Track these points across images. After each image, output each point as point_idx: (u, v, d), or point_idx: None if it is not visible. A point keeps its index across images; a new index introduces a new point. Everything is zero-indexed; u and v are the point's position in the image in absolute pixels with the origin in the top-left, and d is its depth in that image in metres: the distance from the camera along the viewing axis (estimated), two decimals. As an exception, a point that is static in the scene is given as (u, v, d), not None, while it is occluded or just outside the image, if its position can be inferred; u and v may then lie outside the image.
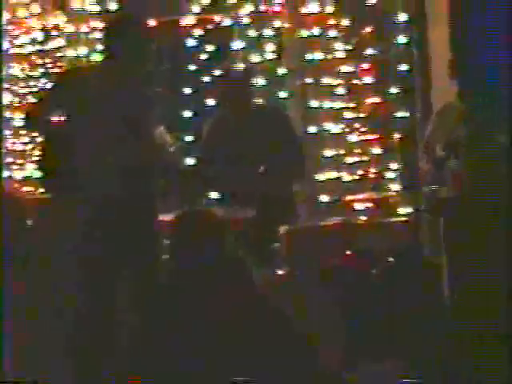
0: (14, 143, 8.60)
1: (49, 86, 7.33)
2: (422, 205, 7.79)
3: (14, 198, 6.92)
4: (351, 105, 8.37)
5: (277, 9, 8.23)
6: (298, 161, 7.33)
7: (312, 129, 8.20)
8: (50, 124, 6.16)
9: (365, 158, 8.36)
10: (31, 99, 8.38)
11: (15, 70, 8.47)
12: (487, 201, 6.43)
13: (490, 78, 7.12)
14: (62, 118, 6.13)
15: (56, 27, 8.44)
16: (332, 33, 8.30)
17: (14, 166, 8.51)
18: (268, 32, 8.21)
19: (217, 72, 8.22)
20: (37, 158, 7.06)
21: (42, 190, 8.07)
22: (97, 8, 8.35)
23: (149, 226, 6.09)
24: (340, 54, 8.33)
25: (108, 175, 5.91)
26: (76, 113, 6.06)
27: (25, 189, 8.22)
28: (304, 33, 8.25)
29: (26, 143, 8.51)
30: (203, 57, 8.46)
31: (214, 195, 6.97)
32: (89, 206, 5.97)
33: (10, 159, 8.49)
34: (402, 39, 8.33)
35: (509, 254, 6.31)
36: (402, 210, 8.18)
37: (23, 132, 8.49)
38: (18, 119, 8.44)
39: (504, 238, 6.34)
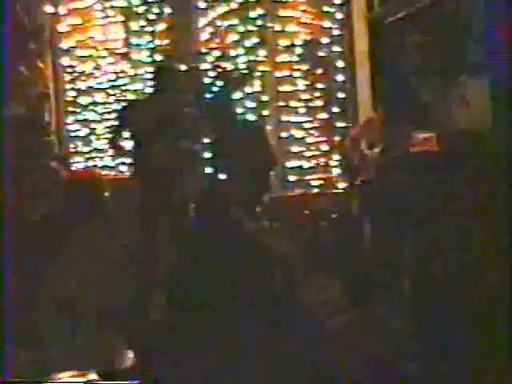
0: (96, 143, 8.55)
1: (119, 108, 7.45)
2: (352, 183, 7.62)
3: (96, 178, 7.22)
4: (309, 119, 8.33)
5: (262, 59, 8.14)
6: (272, 156, 7.28)
7: (284, 134, 8.16)
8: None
9: (317, 153, 8.34)
10: (108, 116, 8.40)
11: (97, 98, 8.48)
12: (394, 182, 6.31)
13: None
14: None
15: (123, 71, 8.45)
16: (296, 74, 8.28)
17: (97, 159, 8.49)
18: (256, 73, 8.13)
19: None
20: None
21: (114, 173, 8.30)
22: (149, 59, 8.32)
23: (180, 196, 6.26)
24: (301, 87, 8.30)
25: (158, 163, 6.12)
26: (138, 124, 6.27)
27: (103, 172, 8.14)
28: (279, 74, 8.19)
29: (104, 144, 8.33)
30: (215, 89, 8.19)
31: (222, 176, 6.95)
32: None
33: (95, 154, 8.51)
34: (340, 77, 8.44)
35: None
36: (340, 185, 8.24)
37: (104, 137, 8.40)
38: (101, 129, 8.49)
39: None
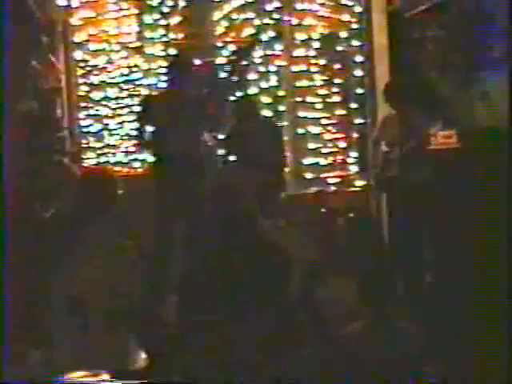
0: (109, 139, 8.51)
1: (136, 103, 7.60)
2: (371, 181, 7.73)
3: (108, 175, 7.25)
4: (326, 115, 8.36)
5: (278, 53, 8.20)
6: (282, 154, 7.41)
7: (300, 130, 8.19)
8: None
9: (334, 150, 8.38)
10: (121, 112, 8.42)
11: (110, 92, 8.43)
12: (414, 179, 6.37)
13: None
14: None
15: (136, 65, 8.43)
16: (313, 68, 8.31)
17: (109, 155, 8.43)
18: (272, 68, 8.19)
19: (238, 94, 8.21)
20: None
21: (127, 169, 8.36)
22: (162, 52, 8.36)
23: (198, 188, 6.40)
24: (318, 82, 8.33)
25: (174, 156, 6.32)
26: (154, 119, 6.46)
27: (116, 168, 8.09)
28: (295, 68, 8.22)
29: (117, 140, 8.43)
30: (230, 84, 8.39)
31: (236, 173, 6.81)
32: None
33: (106, 150, 8.46)
34: (358, 73, 8.44)
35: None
36: (358, 183, 8.30)
37: (116, 133, 8.45)
38: (114, 125, 8.49)
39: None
